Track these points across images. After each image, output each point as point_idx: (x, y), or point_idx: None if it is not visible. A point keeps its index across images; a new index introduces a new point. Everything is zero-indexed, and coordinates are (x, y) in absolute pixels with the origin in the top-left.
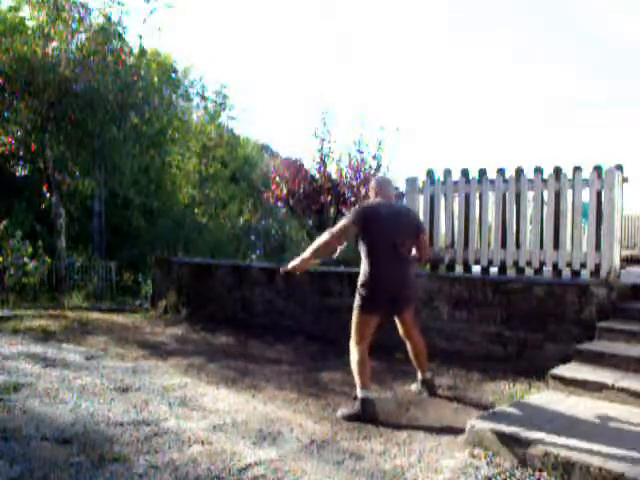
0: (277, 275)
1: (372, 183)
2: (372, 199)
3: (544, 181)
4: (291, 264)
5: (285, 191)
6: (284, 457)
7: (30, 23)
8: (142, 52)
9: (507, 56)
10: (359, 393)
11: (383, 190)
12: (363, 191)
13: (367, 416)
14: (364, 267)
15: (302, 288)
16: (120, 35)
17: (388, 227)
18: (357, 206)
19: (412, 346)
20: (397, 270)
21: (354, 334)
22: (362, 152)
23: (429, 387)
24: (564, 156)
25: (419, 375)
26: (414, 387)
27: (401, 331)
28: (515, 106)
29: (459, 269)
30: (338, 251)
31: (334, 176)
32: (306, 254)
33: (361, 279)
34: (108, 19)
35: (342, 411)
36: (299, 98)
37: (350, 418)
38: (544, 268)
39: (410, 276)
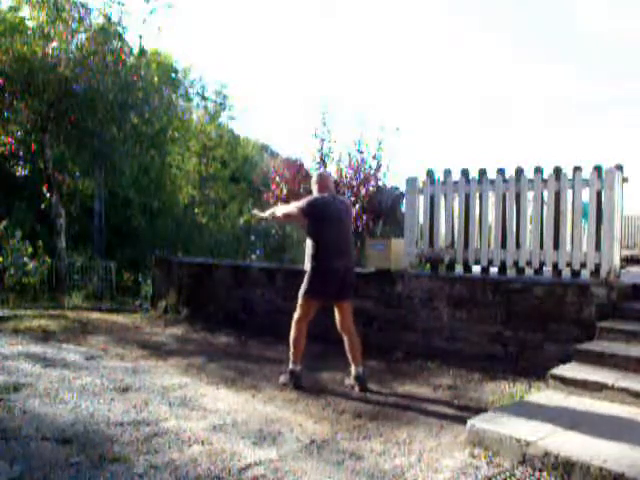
0: (277, 275)
1: (314, 178)
2: (317, 193)
3: (544, 181)
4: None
5: (285, 191)
6: (284, 457)
7: (30, 23)
8: (142, 52)
9: (507, 56)
10: (290, 366)
11: (325, 183)
12: (363, 191)
13: (294, 385)
14: (313, 255)
15: None
16: (120, 35)
17: (335, 219)
18: (308, 198)
19: (348, 339)
20: (343, 259)
21: (299, 313)
22: (362, 152)
23: (361, 382)
24: (564, 156)
25: (352, 369)
26: (347, 382)
27: (338, 323)
28: (515, 106)
29: (459, 269)
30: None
31: (334, 176)
32: (275, 214)
33: (311, 266)
34: (108, 19)
35: (281, 379)
36: (299, 98)
37: (285, 385)
38: (544, 268)
39: (353, 265)
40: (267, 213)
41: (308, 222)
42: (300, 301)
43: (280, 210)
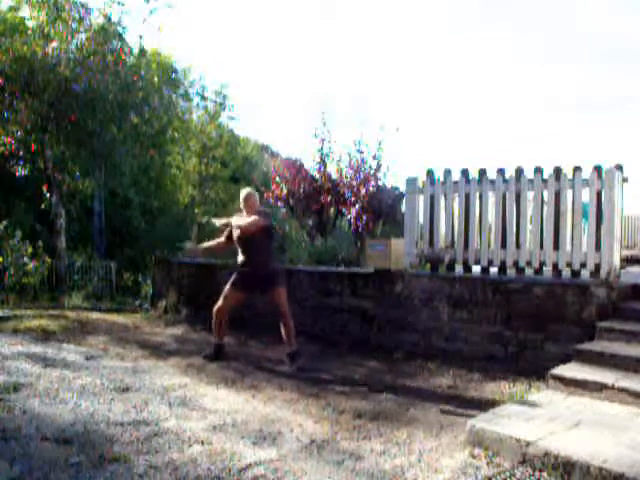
0: None
1: (247, 195)
2: (247, 210)
3: (544, 181)
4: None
5: (285, 191)
6: (284, 457)
7: (30, 23)
8: (142, 52)
9: (508, 56)
10: (214, 340)
11: (256, 202)
12: (363, 191)
13: (218, 356)
14: (241, 258)
15: (302, 288)
16: (120, 35)
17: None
18: (264, 211)
19: (283, 324)
20: (261, 259)
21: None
22: (362, 152)
23: (294, 359)
24: (564, 156)
25: (287, 349)
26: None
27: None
28: (516, 106)
29: (459, 269)
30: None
31: (334, 176)
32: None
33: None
34: (108, 19)
35: (205, 353)
36: (299, 98)
37: (209, 358)
38: (544, 268)
39: (271, 264)
40: (225, 221)
41: (266, 230)
42: (227, 291)
43: (245, 221)
